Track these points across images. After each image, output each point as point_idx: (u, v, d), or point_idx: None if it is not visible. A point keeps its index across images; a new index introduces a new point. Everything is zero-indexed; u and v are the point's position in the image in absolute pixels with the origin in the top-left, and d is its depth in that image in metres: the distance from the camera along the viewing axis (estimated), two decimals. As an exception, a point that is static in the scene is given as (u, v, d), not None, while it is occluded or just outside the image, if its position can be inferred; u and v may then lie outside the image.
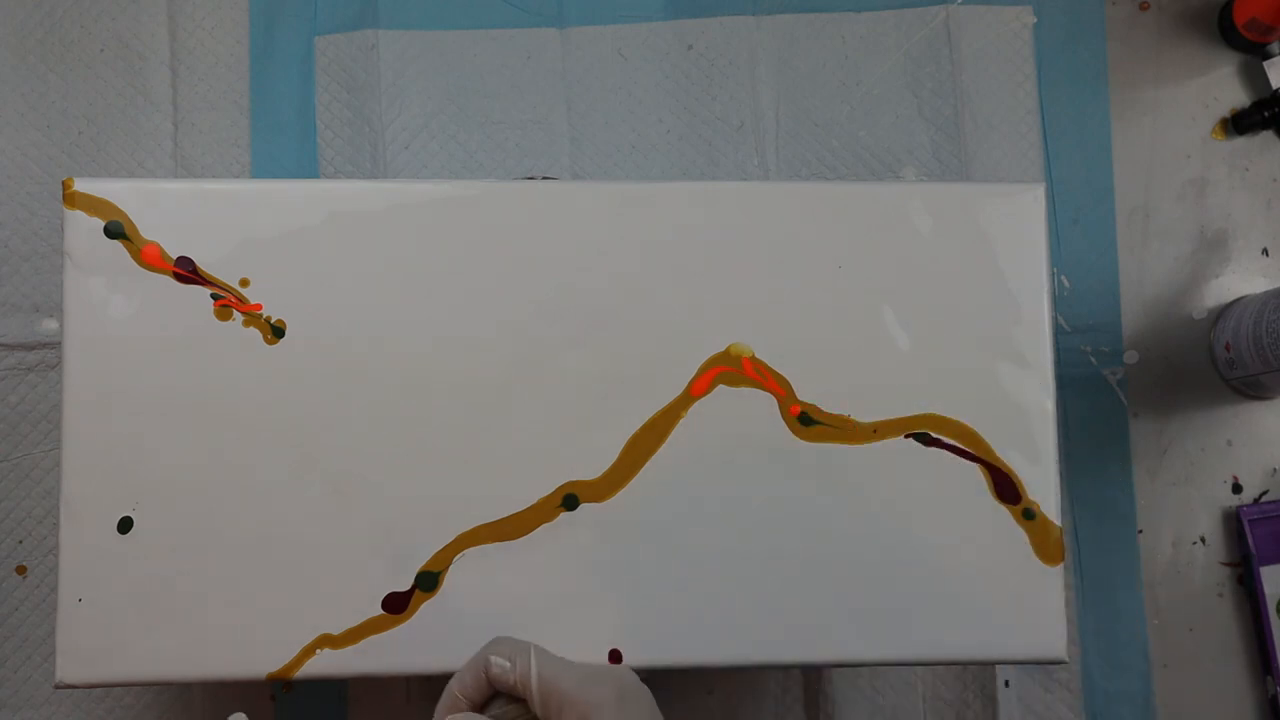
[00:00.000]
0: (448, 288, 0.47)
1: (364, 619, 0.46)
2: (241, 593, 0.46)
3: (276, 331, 0.47)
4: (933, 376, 0.48)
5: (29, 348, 0.63)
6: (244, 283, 0.47)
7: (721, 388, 0.48)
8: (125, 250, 0.47)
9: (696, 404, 0.47)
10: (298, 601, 0.46)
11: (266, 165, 0.66)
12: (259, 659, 0.46)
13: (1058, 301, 0.66)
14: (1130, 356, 0.66)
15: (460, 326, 0.47)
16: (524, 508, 0.47)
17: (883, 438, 0.48)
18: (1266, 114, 0.65)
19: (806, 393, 0.48)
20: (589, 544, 0.47)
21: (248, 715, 0.62)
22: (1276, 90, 0.65)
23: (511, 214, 0.48)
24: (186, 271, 0.47)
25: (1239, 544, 0.64)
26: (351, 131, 0.66)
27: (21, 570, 0.63)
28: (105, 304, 0.46)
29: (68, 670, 0.45)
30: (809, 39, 0.67)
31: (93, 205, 0.47)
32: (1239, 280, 0.66)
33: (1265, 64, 0.66)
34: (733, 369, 0.48)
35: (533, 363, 0.47)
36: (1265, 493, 0.65)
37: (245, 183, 0.49)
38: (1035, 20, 0.68)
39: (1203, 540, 0.65)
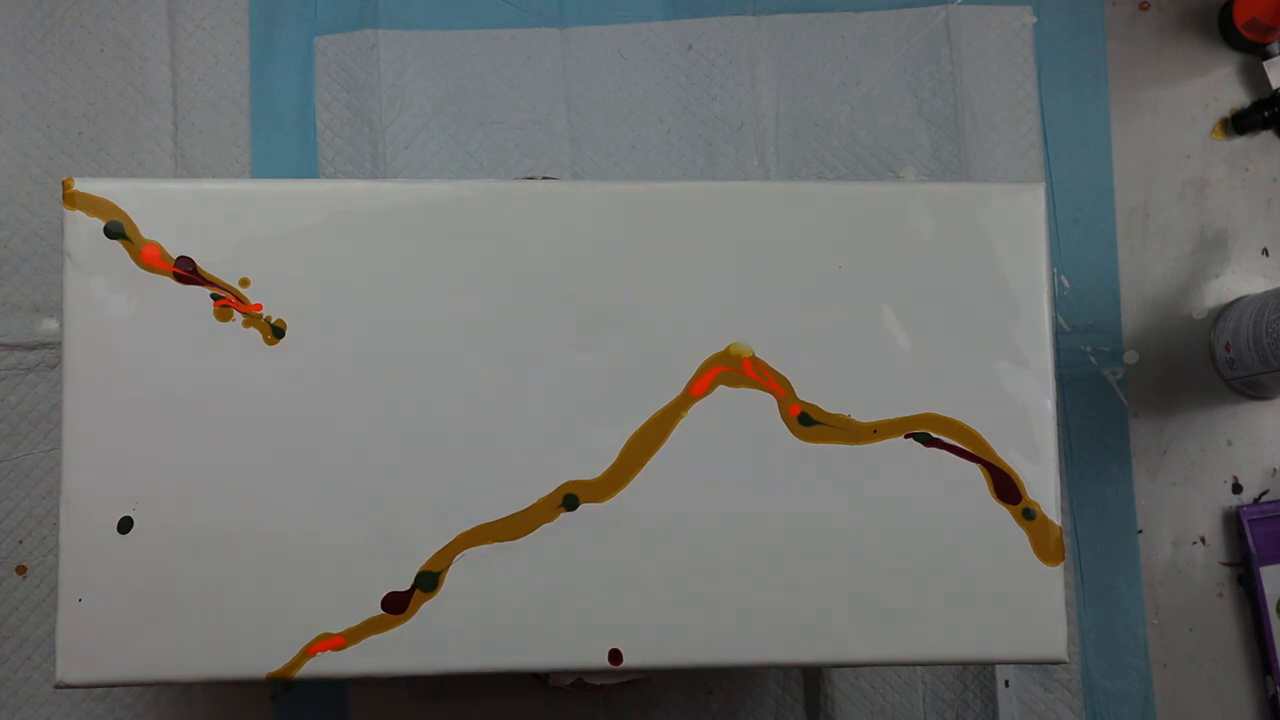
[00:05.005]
0: (448, 287, 0.47)
1: (364, 619, 0.46)
2: (241, 593, 0.46)
3: (276, 331, 0.47)
4: (933, 376, 0.48)
5: (29, 348, 0.63)
6: (244, 283, 0.47)
7: (721, 388, 0.47)
8: (125, 250, 0.47)
9: (696, 404, 0.47)
10: (298, 601, 0.46)
11: (266, 165, 0.66)
12: (259, 659, 0.46)
13: (1058, 301, 0.66)
14: (1130, 356, 0.66)
15: (460, 326, 0.47)
16: (524, 508, 0.47)
17: (883, 438, 0.48)
18: (1266, 114, 0.65)
19: (806, 393, 0.48)
20: (589, 544, 0.47)
21: (247, 716, 0.62)
22: (1276, 90, 0.65)
23: (512, 214, 0.48)
24: (186, 271, 0.47)
25: (1239, 544, 0.64)
26: (351, 131, 0.66)
27: (21, 570, 0.63)
28: (105, 304, 0.46)
29: (68, 670, 0.45)
30: (809, 39, 0.67)
31: (93, 205, 0.47)
32: (1239, 280, 0.66)
33: (1265, 64, 0.66)
34: (733, 369, 0.48)
35: (532, 363, 0.47)
36: (1265, 493, 0.65)
37: (245, 183, 0.49)
38: (1035, 20, 0.68)
39: (1203, 540, 0.65)
